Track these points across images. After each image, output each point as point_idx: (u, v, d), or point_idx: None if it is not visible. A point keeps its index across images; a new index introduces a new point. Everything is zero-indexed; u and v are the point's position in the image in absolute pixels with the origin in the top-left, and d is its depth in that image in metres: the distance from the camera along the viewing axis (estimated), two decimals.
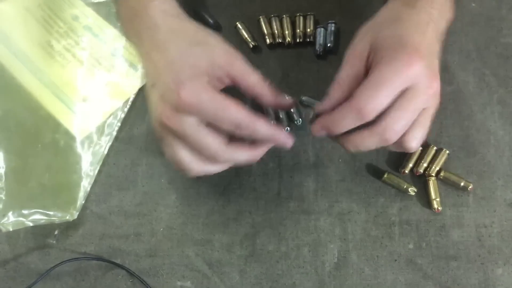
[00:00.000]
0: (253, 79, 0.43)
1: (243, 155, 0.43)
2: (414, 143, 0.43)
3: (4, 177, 0.53)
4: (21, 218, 0.51)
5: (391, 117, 0.40)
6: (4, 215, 0.51)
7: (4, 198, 0.52)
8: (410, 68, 0.40)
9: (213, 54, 0.42)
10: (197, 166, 0.43)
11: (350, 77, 0.42)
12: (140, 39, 0.45)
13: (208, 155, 0.41)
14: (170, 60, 0.41)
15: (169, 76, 0.41)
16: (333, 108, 0.42)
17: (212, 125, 0.41)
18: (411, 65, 0.40)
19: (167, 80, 0.41)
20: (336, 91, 0.42)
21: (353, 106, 0.40)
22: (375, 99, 0.39)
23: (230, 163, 0.44)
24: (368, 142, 0.42)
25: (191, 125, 0.40)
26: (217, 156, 0.41)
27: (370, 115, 0.40)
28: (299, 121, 0.51)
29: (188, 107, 0.39)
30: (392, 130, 0.40)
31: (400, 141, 0.43)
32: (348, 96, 0.42)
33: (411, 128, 0.43)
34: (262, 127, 0.41)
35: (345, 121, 0.41)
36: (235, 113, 0.40)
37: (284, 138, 0.43)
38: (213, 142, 0.41)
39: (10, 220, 0.51)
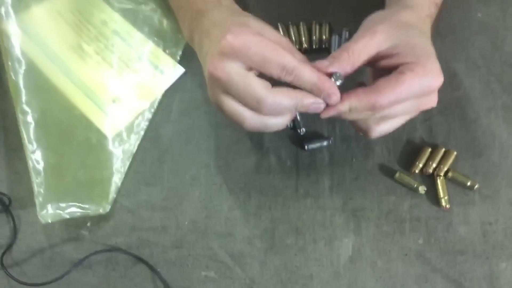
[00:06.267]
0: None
1: (289, 98, 0.43)
2: (375, 135, 0.47)
3: (43, 172, 0.55)
4: (58, 211, 0.54)
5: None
6: (43, 208, 0.54)
7: (43, 192, 0.55)
8: (435, 84, 0.43)
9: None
10: (250, 116, 0.44)
11: (361, 53, 0.44)
12: (202, 28, 0.48)
13: (253, 101, 0.42)
14: (226, 26, 0.44)
15: (220, 32, 0.43)
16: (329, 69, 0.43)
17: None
18: (436, 82, 0.43)
19: (217, 36, 0.43)
20: (344, 59, 0.43)
21: (371, 100, 0.42)
22: (391, 100, 0.42)
23: (279, 116, 0.45)
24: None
25: (236, 70, 0.42)
26: (261, 101, 0.42)
27: (379, 110, 0.43)
28: (303, 131, 0.55)
29: (235, 49, 0.41)
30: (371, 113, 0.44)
31: (365, 127, 0.46)
32: (349, 69, 0.43)
33: (383, 122, 0.46)
34: (307, 71, 0.42)
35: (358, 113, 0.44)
36: (283, 55, 0.41)
37: (329, 87, 0.42)
38: (257, 84, 0.42)
39: (49, 213, 0.54)
